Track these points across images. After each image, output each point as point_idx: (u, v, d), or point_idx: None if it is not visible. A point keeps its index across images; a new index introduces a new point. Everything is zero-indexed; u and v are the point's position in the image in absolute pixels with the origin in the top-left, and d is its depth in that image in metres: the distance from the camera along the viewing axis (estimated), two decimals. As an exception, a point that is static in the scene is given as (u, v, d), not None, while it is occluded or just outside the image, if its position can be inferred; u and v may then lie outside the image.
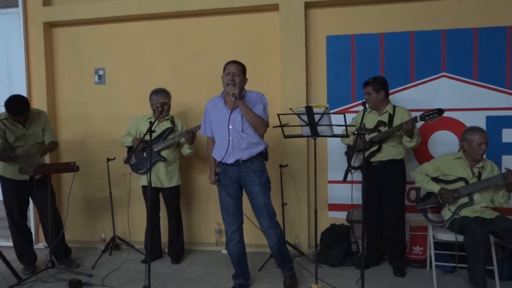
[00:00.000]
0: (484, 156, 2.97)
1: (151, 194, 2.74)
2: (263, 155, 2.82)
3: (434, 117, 2.86)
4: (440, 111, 2.86)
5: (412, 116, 3.02)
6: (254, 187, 2.75)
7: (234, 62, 2.78)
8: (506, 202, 2.89)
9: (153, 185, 3.37)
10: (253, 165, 2.76)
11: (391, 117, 3.16)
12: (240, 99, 2.67)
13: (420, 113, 2.94)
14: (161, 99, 3.43)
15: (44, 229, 3.47)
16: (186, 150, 3.49)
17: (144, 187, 3.56)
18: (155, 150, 3.42)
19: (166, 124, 3.52)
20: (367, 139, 3.13)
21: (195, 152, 3.69)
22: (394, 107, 3.21)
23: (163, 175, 3.49)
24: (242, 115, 2.71)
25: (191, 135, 3.30)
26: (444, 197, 2.98)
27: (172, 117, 3.57)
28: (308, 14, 3.75)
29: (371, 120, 3.22)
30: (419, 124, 3.55)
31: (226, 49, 3.90)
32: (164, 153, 3.47)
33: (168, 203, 3.60)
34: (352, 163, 2.61)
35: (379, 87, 3.17)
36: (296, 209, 3.77)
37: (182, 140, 3.45)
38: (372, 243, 3.36)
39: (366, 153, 3.16)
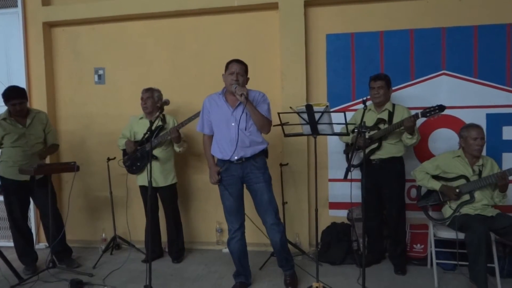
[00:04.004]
0: (484, 154, 2.97)
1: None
2: (264, 153, 2.84)
3: (436, 113, 2.88)
4: (441, 108, 2.87)
5: (411, 113, 3.03)
6: (259, 184, 2.76)
7: (238, 61, 2.75)
8: (501, 201, 2.92)
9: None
10: (256, 162, 2.77)
11: (390, 114, 3.16)
12: (248, 99, 2.66)
13: (421, 110, 2.95)
14: (143, 96, 3.46)
15: (45, 229, 3.48)
16: (175, 148, 3.46)
17: (141, 187, 3.56)
18: (147, 149, 3.40)
19: (156, 123, 3.48)
20: (367, 137, 3.13)
21: (193, 151, 3.67)
22: (393, 105, 3.22)
23: (158, 174, 3.46)
24: (246, 113, 2.69)
25: (176, 134, 3.28)
26: (446, 194, 2.98)
27: (163, 115, 3.53)
28: (308, 12, 3.74)
29: (370, 118, 3.22)
30: (420, 120, 3.56)
31: (226, 48, 3.90)
32: (156, 152, 3.44)
33: (165, 202, 3.58)
34: (351, 162, 2.60)
35: (389, 83, 3.21)
36: (297, 208, 3.77)
37: None
38: (372, 241, 3.37)
39: (366, 151, 3.15)
